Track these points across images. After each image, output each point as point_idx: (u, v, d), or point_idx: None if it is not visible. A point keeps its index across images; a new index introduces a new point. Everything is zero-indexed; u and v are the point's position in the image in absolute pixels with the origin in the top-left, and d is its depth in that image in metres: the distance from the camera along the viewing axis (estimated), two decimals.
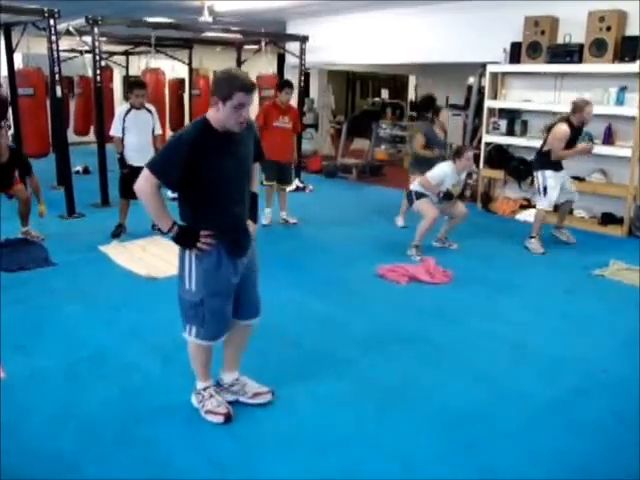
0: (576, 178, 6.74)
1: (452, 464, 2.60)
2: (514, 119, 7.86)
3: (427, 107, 6.98)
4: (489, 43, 7.78)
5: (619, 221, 6.81)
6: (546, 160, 5.85)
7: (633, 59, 6.45)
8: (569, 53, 6.98)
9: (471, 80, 9.94)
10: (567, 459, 2.66)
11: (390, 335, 3.93)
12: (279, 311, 4.08)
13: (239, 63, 10.73)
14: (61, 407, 2.96)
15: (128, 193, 5.98)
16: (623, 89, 6.65)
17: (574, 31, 7.02)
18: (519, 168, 7.66)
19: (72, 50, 10.65)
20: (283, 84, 6.87)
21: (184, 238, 2.65)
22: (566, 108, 7.12)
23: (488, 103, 8.01)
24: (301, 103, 10.01)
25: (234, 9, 9.59)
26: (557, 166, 5.84)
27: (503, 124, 7.85)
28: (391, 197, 8.20)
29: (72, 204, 6.99)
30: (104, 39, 9.06)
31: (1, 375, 3.22)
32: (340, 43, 10.16)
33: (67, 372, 3.32)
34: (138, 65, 11.11)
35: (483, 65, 8.06)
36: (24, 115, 7.90)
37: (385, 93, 15.26)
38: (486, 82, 8.01)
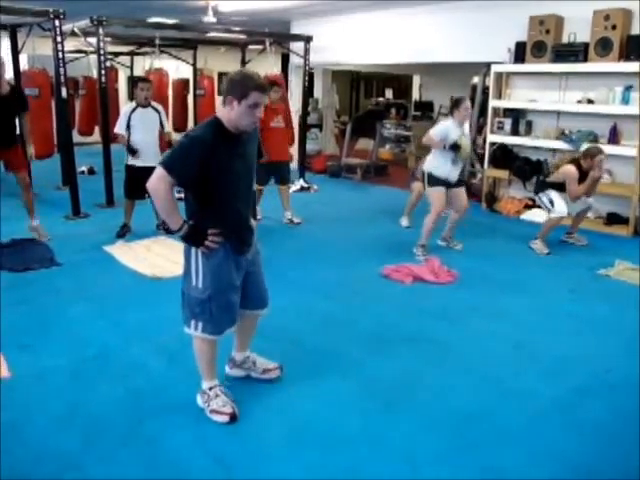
0: None
1: (456, 463, 2.60)
2: (519, 119, 7.84)
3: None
4: (494, 43, 7.77)
5: (625, 221, 6.80)
6: (549, 185, 5.96)
7: (639, 58, 6.42)
8: (574, 52, 6.96)
9: (475, 80, 9.92)
10: (570, 459, 2.66)
11: (395, 335, 3.93)
12: (284, 311, 4.08)
13: (243, 63, 10.75)
14: (66, 406, 2.97)
15: (133, 193, 6.01)
16: (629, 88, 6.63)
17: (579, 30, 7.01)
18: (524, 168, 7.64)
19: (77, 51, 10.69)
20: (270, 84, 6.90)
21: (193, 237, 2.68)
22: (571, 107, 7.16)
23: (493, 103, 8.01)
24: (305, 103, 10.02)
25: (238, 9, 9.61)
26: (560, 188, 5.88)
27: (508, 124, 7.83)
28: (395, 197, 8.21)
29: (77, 204, 7.00)
30: (109, 40, 9.08)
31: (6, 374, 3.24)
32: (344, 43, 10.16)
33: (72, 371, 3.33)
34: (143, 65, 11.14)
35: (487, 65, 8.04)
36: (29, 115, 7.90)
37: (389, 93, 15.25)
38: (490, 82, 8.01)
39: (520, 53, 7.55)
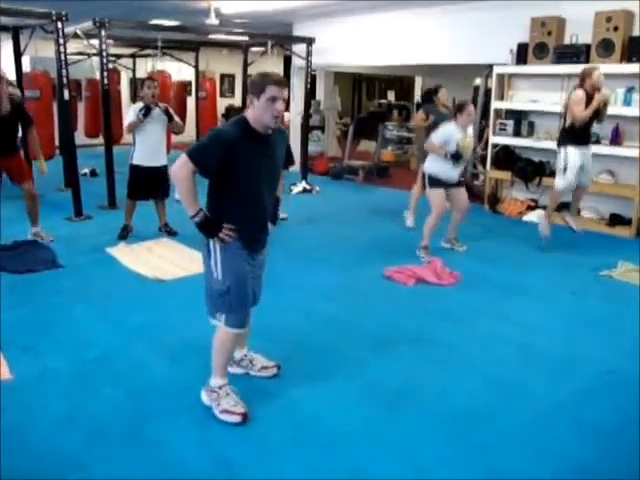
0: None
1: (460, 464, 2.59)
2: (521, 120, 7.85)
3: (428, 96, 7.07)
4: (496, 44, 7.77)
5: (627, 222, 6.78)
6: (569, 135, 5.72)
7: None
8: (576, 54, 6.96)
9: (478, 81, 9.92)
10: (574, 460, 2.65)
11: (397, 336, 3.92)
12: (287, 312, 4.08)
13: (245, 65, 10.76)
14: (69, 408, 2.97)
15: (137, 194, 6.00)
16: (630, 89, 6.63)
17: (581, 31, 7.00)
18: (526, 169, 7.65)
19: (80, 53, 10.71)
20: None
21: (208, 226, 2.75)
22: None
23: (495, 104, 8.01)
24: (307, 105, 10.02)
25: (240, 11, 9.62)
26: (580, 140, 5.69)
27: (510, 125, 7.84)
28: (398, 198, 8.20)
29: (79, 206, 7.01)
30: (111, 42, 9.09)
31: (8, 376, 3.24)
32: (346, 45, 10.16)
33: (74, 373, 3.33)
34: (145, 67, 11.15)
35: (490, 66, 8.05)
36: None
37: (391, 95, 15.25)
38: (493, 83, 8.00)
39: (522, 54, 7.56)
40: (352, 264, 5.48)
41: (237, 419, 2.81)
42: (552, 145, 7.27)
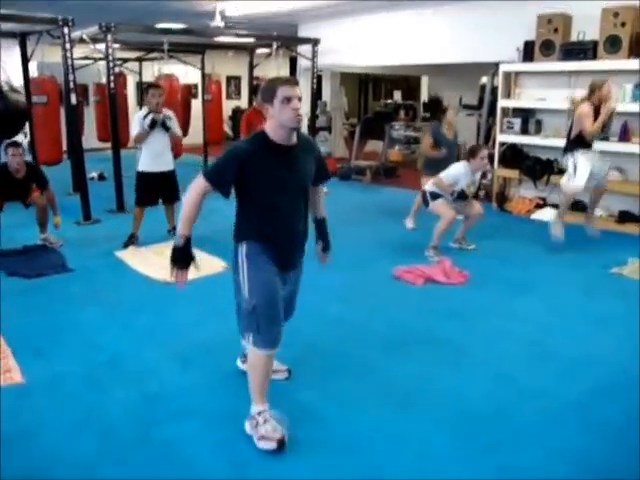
0: None
1: (471, 464, 2.59)
2: (528, 118, 7.82)
3: (433, 110, 7.01)
4: (502, 42, 7.75)
5: (637, 219, 6.75)
6: (575, 143, 5.72)
7: None
8: (583, 50, 6.93)
9: (484, 79, 9.90)
10: (586, 459, 2.64)
11: (408, 336, 3.92)
12: (298, 313, 4.07)
13: (251, 67, 10.78)
14: (81, 411, 2.98)
15: (146, 201, 5.99)
16: (638, 86, 6.59)
17: (588, 28, 6.98)
18: (534, 167, 7.62)
19: (86, 57, 10.75)
20: (256, 89, 7.10)
21: (178, 252, 2.72)
22: None
23: (502, 102, 7.98)
24: (314, 106, 10.02)
25: (245, 13, 9.63)
26: (587, 145, 5.69)
27: (517, 123, 7.80)
28: (406, 198, 8.16)
29: (88, 210, 7.04)
30: (117, 46, 9.12)
31: (20, 380, 3.25)
32: (352, 45, 10.15)
33: (86, 376, 3.34)
34: (152, 71, 11.18)
35: (496, 64, 8.02)
36: (38, 123, 7.97)
37: (398, 94, 15.22)
38: (499, 81, 7.98)
39: (529, 52, 7.53)
40: (361, 264, 5.48)
41: (272, 445, 2.63)
42: (560, 143, 7.23)
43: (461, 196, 5.62)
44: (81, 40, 7.81)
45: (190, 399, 3.10)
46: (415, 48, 9.25)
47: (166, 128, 5.82)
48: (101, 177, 9.87)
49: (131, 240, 5.98)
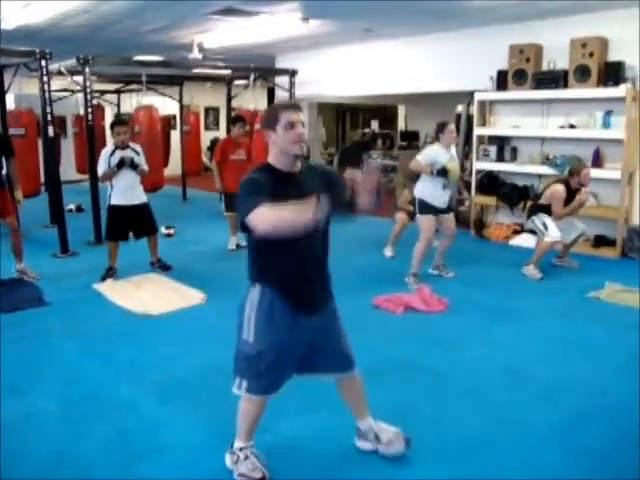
0: None
1: None
2: (503, 145, 7.94)
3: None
4: (476, 72, 7.89)
5: (612, 243, 6.85)
6: (541, 209, 6.00)
7: (616, 83, 6.55)
8: (554, 79, 7.10)
9: (460, 108, 10.04)
10: None
11: (388, 364, 3.90)
12: None
13: (229, 98, 10.84)
14: (56, 449, 2.91)
15: (117, 235, 5.90)
16: (609, 113, 6.75)
17: (558, 58, 7.15)
18: (511, 194, 7.73)
19: (64, 90, 10.75)
20: (235, 119, 7.45)
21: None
22: (554, 133, 7.28)
23: (477, 131, 8.10)
24: None
25: (223, 45, 9.72)
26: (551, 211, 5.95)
27: (493, 151, 7.93)
28: (383, 227, 8.20)
29: (65, 242, 6.96)
30: (95, 78, 9.13)
31: None
32: (329, 76, 10.29)
33: (62, 412, 3.27)
34: (130, 103, 11.20)
35: (471, 93, 8.16)
36: (16, 155, 7.89)
37: (375, 124, 15.41)
38: (474, 110, 8.11)
39: (502, 81, 7.68)
40: (339, 294, 5.40)
41: None
42: (535, 169, 7.41)
43: (442, 173, 5.49)
44: (59, 72, 7.82)
45: (169, 434, 3.04)
46: (392, 78, 9.39)
47: (134, 167, 5.76)
48: (79, 209, 9.78)
49: (109, 273, 5.87)
